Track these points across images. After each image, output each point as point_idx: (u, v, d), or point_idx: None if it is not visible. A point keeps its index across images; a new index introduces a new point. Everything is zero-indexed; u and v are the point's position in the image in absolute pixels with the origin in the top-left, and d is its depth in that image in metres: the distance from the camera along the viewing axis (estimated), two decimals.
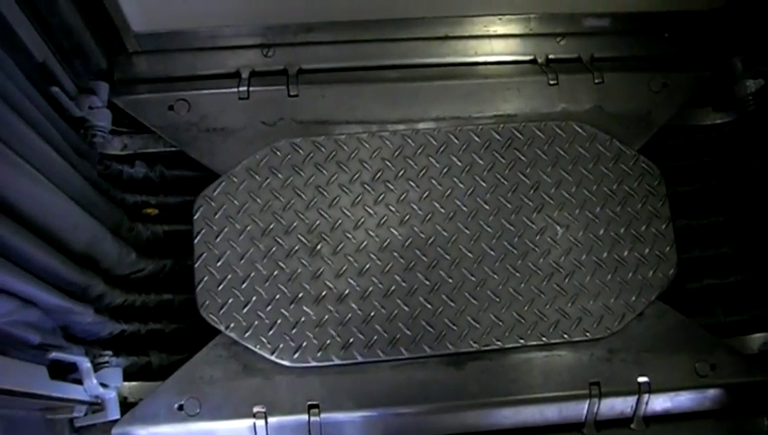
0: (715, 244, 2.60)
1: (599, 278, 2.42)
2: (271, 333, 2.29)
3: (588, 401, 2.32)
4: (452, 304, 2.36)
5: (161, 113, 2.48)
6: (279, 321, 2.30)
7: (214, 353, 2.29)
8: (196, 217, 2.36)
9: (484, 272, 2.39)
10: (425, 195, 2.43)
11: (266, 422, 2.23)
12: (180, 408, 2.23)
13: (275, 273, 2.34)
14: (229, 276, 2.32)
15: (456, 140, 2.48)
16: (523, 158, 2.49)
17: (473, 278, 2.38)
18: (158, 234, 2.47)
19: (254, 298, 2.31)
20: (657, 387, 2.34)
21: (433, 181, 2.44)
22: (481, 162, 2.47)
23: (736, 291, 2.56)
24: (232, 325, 2.29)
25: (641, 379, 2.34)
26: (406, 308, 2.35)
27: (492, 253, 2.41)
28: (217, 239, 2.35)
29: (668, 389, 2.35)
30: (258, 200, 2.38)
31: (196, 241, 2.35)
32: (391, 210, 2.41)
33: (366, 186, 2.43)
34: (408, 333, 2.33)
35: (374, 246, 2.39)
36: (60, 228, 1.96)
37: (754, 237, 2.56)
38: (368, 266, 2.37)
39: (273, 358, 2.28)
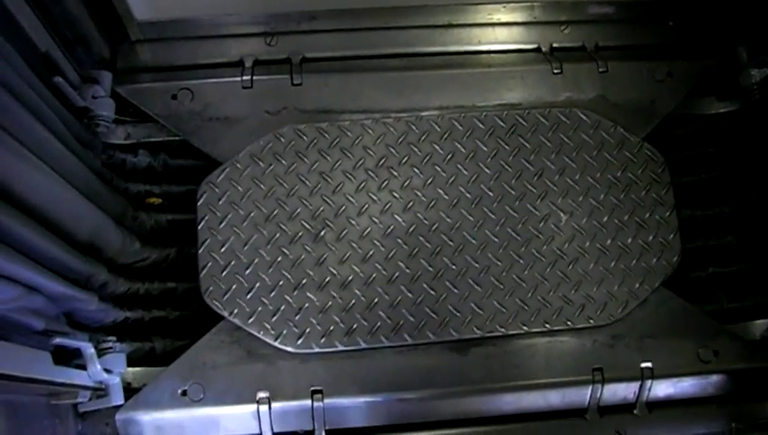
0: (718, 234, 2.60)
1: (602, 265, 2.42)
2: (274, 318, 2.30)
3: (591, 387, 2.31)
4: (455, 291, 2.36)
5: (164, 102, 2.48)
6: (282, 307, 2.31)
7: (217, 339, 2.29)
8: (199, 204, 2.36)
9: (487, 258, 2.39)
10: (429, 181, 2.43)
11: (270, 408, 2.23)
12: (184, 393, 2.23)
13: (279, 259, 2.34)
14: (233, 262, 2.32)
15: (459, 127, 2.48)
16: (527, 144, 2.48)
17: (476, 265, 2.38)
18: (161, 223, 2.48)
19: (257, 284, 2.32)
20: (660, 373, 2.33)
21: (437, 168, 2.44)
22: (485, 149, 2.47)
23: (740, 279, 2.55)
24: (235, 311, 2.29)
25: (644, 365, 2.33)
26: (409, 294, 2.35)
27: (495, 239, 2.41)
28: (221, 225, 2.35)
29: (671, 375, 2.35)
30: (262, 186, 2.38)
31: (199, 227, 2.35)
32: (395, 197, 2.41)
33: (370, 172, 2.43)
34: (412, 319, 2.33)
35: (378, 232, 2.39)
36: (63, 217, 1.97)
37: (758, 227, 2.55)
38: (371, 253, 2.37)
39: (276, 344, 2.28)
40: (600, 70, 2.60)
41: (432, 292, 2.36)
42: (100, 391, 2.20)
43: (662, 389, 2.36)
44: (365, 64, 2.60)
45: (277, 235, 2.36)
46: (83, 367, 2.10)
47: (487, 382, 2.31)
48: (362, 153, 2.44)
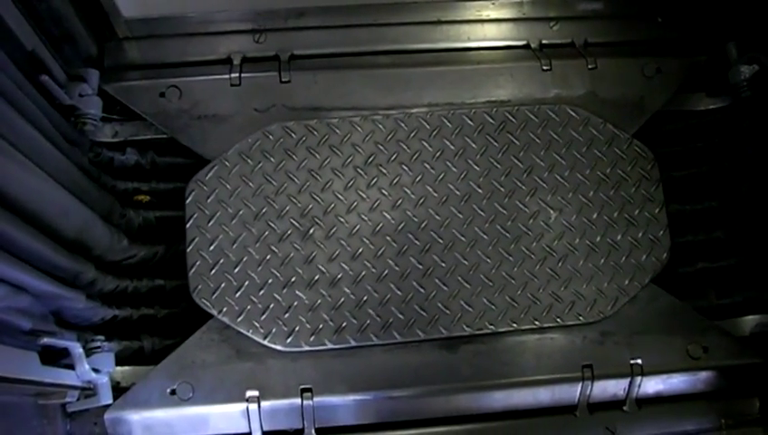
0: (707, 228, 2.60)
1: (592, 262, 2.42)
2: (263, 317, 2.29)
3: (580, 384, 2.32)
4: (445, 288, 2.36)
5: (152, 100, 2.46)
6: (272, 305, 2.30)
7: (206, 338, 2.29)
8: (188, 202, 2.35)
9: (477, 256, 2.39)
10: (418, 179, 2.42)
11: (259, 406, 2.23)
12: (173, 392, 2.23)
13: (268, 257, 2.33)
14: (221, 261, 2.32)
15: (448, 124, 2.48)
16: (516, 141, 2.48)
17: (466, 262, 2.38)
18: (149, 220, 2.46)
19: (246, 282, 2.31)
20: (649, 369, 2.34)
21: (426, 165, 2.44)
22: (474, 146, 2.47)
23: (729, 275, 2.56)
24: (224, 310, 2.29)
25: (634, 361, 2.34)
26: (399, 292, 2.34)
27: (485, 237, 2.40)
28: (210, 224, 2.34)
29: (661, 371, 2.35)
30: (250, 184, 2.38)
31: (188, 225, 2.34)
32: (384, 194, 2.41)
33: (359, 169, 2.42)
34: (401, 317, 2.33)
35: (367, 230, 2.38)
36: (51, 215, 1.96)
37: (747, 222, 2.56)
38: (360, 251, 2.36)
39: (265, 342, 2.27)
40: (590, 66, 2.60)
41: (421, 289, 2.35)
42: (88, 390, 2.19)
43: (652, 385, 2.36)
44: (354, 61, 2.59)
45: (266, 233, 2.35)
46: (71, 367, 2.09)
47: (477, 380, 2.31)
48: (351, 150, 2.43)
